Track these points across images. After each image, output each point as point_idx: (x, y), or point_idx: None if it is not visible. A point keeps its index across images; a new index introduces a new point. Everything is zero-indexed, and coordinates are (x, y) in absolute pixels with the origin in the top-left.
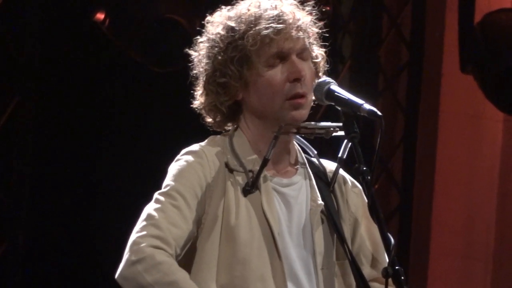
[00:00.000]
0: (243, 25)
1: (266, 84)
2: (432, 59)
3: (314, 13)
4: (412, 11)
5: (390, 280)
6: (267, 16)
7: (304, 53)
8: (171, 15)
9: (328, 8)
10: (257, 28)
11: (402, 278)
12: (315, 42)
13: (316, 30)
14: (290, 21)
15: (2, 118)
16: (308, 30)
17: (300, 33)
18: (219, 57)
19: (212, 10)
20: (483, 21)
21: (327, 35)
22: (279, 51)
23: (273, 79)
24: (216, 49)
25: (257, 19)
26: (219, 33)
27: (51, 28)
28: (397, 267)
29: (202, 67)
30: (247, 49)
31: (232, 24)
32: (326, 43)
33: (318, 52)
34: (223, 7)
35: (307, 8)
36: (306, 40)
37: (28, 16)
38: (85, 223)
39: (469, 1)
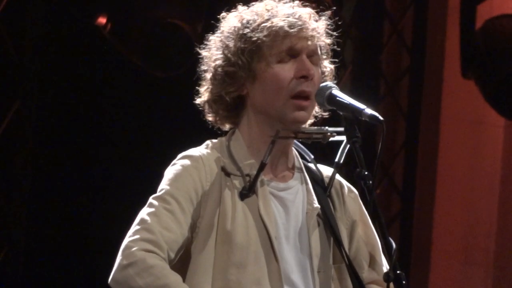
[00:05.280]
0: (259, 18)
1: (273, 78)
2: (434, 64)
3: (329, 25)
4: (414, 17)
5: (391, 284)
6: (283, 12)
7: (314, 56)
8: (173, 20)
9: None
10: (272, 20)
11: (404, 282)
12: (325, 55)
13: (329, 41)
14: (306, 20)
15: (3, 122)
16: (321, 38)
17: (315, 33)
18: (231, 47)
19: (213, 15)
20: (485, 26)
21: (339, 49)
22: (291, 48)
23: (281, 73)
24: (229, 40)
25: (273, 13)
26: (233, 26)
27: (52, 32)
28: (398, 272)
29: (212, 60)
30: (259, 41)
31: (248, 17)
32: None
33: (328, 65)
34: (239, 6)
35: (323, 18)
36: (318, 45)
37: (29, 20)
38: (85, 226)
39: (471, 7)
